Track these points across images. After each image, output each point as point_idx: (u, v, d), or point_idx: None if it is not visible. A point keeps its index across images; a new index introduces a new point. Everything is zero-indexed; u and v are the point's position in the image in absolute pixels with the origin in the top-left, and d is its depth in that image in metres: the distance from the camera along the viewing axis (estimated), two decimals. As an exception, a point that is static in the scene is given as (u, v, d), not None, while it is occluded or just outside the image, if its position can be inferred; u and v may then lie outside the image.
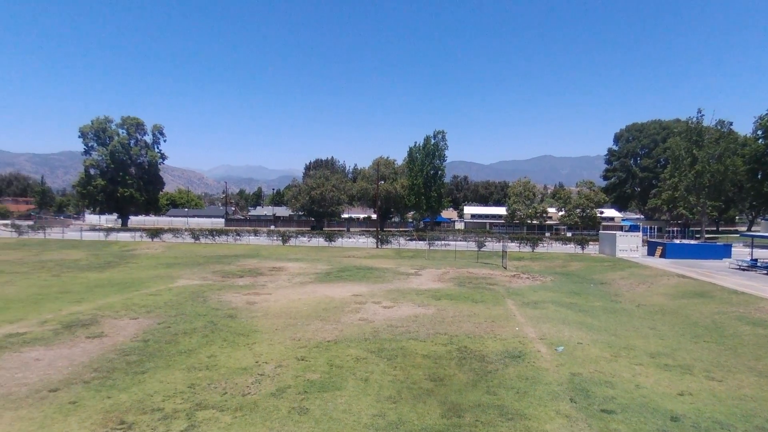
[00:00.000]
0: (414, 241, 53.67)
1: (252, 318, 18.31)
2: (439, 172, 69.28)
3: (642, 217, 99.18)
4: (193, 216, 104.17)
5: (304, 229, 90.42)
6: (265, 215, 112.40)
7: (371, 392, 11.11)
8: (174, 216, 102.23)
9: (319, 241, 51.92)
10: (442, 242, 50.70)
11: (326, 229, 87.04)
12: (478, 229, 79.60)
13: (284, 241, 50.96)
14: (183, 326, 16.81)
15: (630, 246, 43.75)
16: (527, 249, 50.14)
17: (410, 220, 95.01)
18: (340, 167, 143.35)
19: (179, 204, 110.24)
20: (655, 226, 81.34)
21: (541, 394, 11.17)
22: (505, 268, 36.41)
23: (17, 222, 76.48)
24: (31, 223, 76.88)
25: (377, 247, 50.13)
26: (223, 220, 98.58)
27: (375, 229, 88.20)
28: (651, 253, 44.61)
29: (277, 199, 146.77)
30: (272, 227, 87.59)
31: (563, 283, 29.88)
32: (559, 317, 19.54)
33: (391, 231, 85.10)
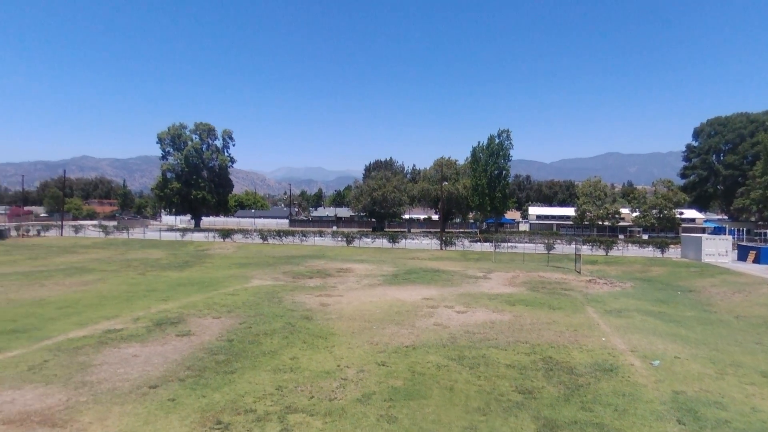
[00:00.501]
0: (478, 243, 52.62)
1: (327, 320, 18.50)
2: (504, 172, 67.37)
3: (726, 218, 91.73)
4: (259, 217, 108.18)
5: (365, 230, 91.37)
6: (327, 216, 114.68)
7: (458, 402, 10.80)
8: (241, 217, 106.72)
9: (383, 243, 52.13)
10: (509, 244, 49.31)
11: (387, 229, 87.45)
12: (545, 230, 76.84)
13: (348, 242, 51.60)
14: (263, 327, 17.26)
15: (718, 250, 40.44)
16: (600, 252, 47.70)
17: (472, 221, 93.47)
18: (398, 168, 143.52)
19: (246, 205, 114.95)
20: (743, 228, 74.75)
21: (643, 413, 10.38)
22: (579, 272, 34.76)
23: (103, 222, 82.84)
24: (115, 223, 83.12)
25: (441, 249, 49.60)
26: (287, 221, 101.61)
27: (437, 230, 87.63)
28: (742, 258, 41.00)
29: (338, 200, 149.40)
30: (335, 228, 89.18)
31: (646, 290, 28.03)
32: (648, 328, 18.27)
33: (452, 232, 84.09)
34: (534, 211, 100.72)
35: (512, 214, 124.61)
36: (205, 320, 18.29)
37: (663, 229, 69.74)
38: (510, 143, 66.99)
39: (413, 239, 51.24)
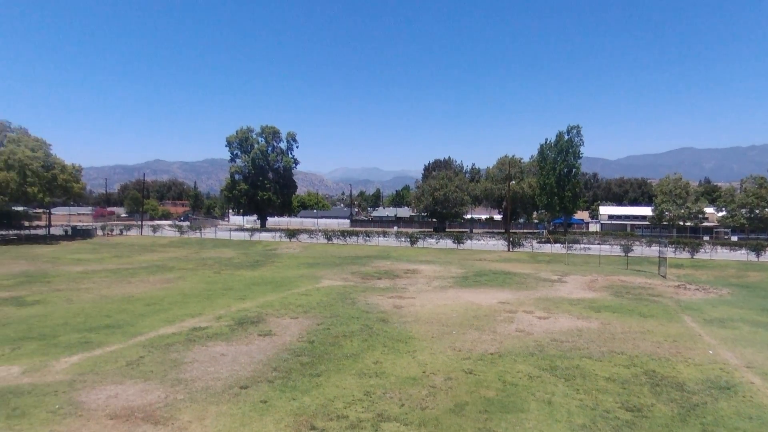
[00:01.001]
0: (548, 244, 50.49)
1: (404, 323, 18.13)
2: (574, 170, 64.14)
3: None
4: (321, 217, 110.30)
5: (426, 230, 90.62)
6: (387, 216, 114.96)
7: (560, 418, 10.03)
8: (304, 217, 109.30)
9: (447, 244, 51.28)
10: (581, 246, 46.92)
11: (448, 230, 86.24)
12: (618, 231, 72.68)
13: (412, 242, 51.18)
14: (341, 328, 17.15)
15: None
16: (684, 255, 44.30)
17: (536, 221, 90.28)
18: (457, 167, 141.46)
19: (308, 206, 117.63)
20: None
21: (781, 441, 9.14)
22: (665, 276, 32.32)
23: (178, 223, 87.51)
24: (188, 223, 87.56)
25: (509, 250, 48.01)
26: (348, 221, 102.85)
27: (500, 230, 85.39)
28: None
29: (397, 201, 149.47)
30: (396, 228, 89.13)
31: (747, 298, 25.50)
32: (762, 341, 16.45)
33: (517, 232, 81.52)
34: (605, 210, 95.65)
35: (580, 214, 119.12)
36: (284, 320, 18.47)
37: (754, 230, 63.83)
38: (581, 139, 63.64)
39: (479, 240, 49.95)
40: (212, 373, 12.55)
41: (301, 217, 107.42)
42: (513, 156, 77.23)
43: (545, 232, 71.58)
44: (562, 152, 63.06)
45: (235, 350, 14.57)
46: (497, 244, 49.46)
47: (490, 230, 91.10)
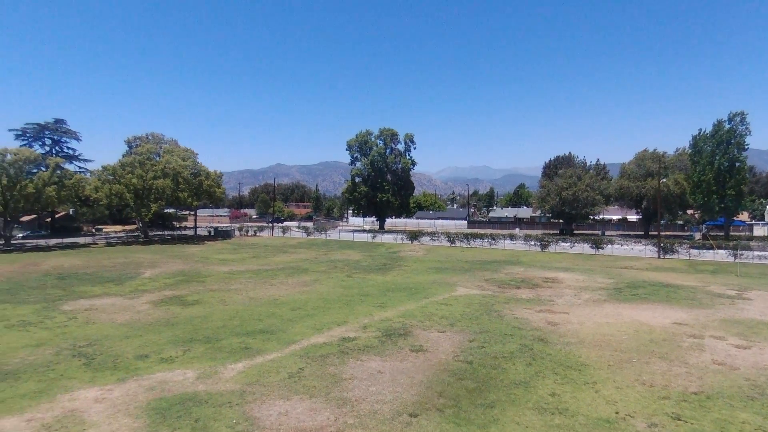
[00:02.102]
0: (706, 250, 43.72)
1: (567, 345, 16.07)
2: (738, 165, 54.61)
3: None
4: (438, 218, 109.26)
5: (550, 232, 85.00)
6: (506, 217, 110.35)
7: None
8: (420, 218, 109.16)
9: (583, 248, 46.88)
10: (755, 253, 39.69)
11: (576, 232, 79.91)
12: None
13: (543, 246, 47.71)
14: (497, 347, 15.66)
15: None
16: None
17: (681, 222, 79.92)
18: (579, 163, 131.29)
19: (424, 206, 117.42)
20: None
21: None
22: None
23: (304, 224, 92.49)
24: (311, 224, 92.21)
25: (659, 257, 42.42)
26: (465, 222, 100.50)
27: (636, 232, 77.00)
28: None
29: (515, 200, 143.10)
30: (518, 230, 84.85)
31: None
32: None
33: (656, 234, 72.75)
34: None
35: (739, 215, 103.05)
36: (431, 333, 17.46)
37: None
38: (746, 128, 54.05)
39: (620, 245, 44.80)
40: (375, 394, 11.84)
41: (417, 218, 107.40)
42: (654, 150, 68.82)
43: (699, 235, 62.62)
44: (721, 144, 54.23)
45: (391, 367, 13.80)
46: (644, 250, 43.86)
47: (625, 232, 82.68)
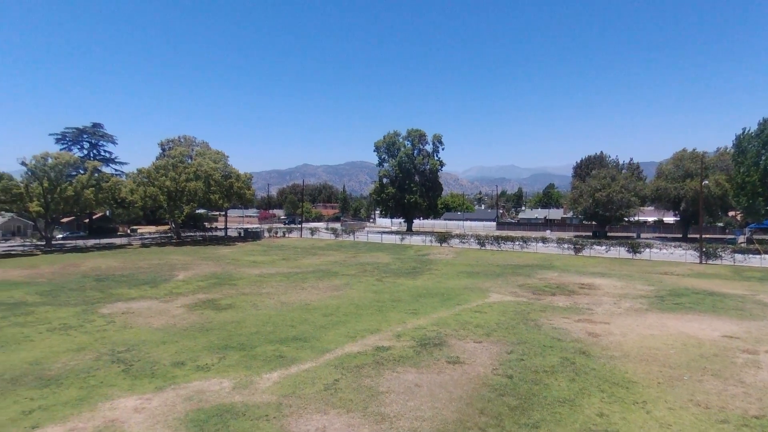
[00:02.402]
0: (754, 256, 41.59)
1: (611, 359, 15.39)
2: (788, 164, 51.67)
3: None
4: (466, 219, 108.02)
5: (582, 234, 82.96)
6: (536, 218, 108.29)
7: None
8: (448, 219, 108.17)
9: (619, 252, 45.38)
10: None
11: (610, 234, 77.72)
12: None
13: (577, 251, 46.40)
14: (537, 360, 15.11)
15: None
16: None
17: (721, 224, 76.73)
18: (611, 163, 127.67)
19: (452, 207, 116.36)
20: None
21: None
22: None
23: (331, 225, 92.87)
24: (339, 225, 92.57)
25: (701, 262, 40.65)
26: (494, 224, 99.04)
27: (673, 235, 74.35)
28: None
29: (544, 201, 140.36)
30: (548, 232, 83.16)
31: None
32: None
33: (695, 238, 70.05)
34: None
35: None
36: (467, 344, 17.02)
37: None
38: (798, 125, 51.10)
39: (659, 249, 43.02)
40: (413, 410, 11.51)
41: (445, 219, 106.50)
42: (694, 149, 66.21)
43: (743, 238, 59.93)
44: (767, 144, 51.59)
45: (428, 381, 13.45)
46: (684, 255, 42.04)
47: (661, 235, 80.00)
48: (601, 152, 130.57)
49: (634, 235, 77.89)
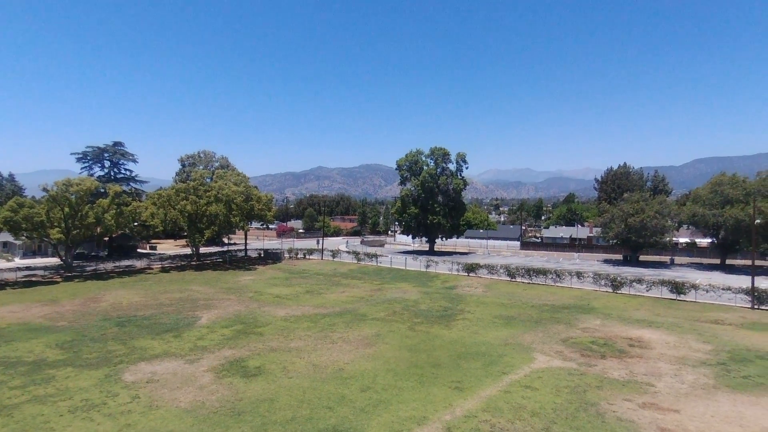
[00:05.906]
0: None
1: (701, 480, 13.40)
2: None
3: None
4: (489, 238, 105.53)
5: (612, 256, 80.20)
6: (561, 237, 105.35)
7: None
8: (470, 237, 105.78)
9: (661, 291, 42.80)
10: None
11: (642, 258, 74.76)
12: None
13: (615, 288, 43.99)
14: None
15: None
16: None
17: (762, 250, 73.11)
18: (635, 174, 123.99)
19: (473, 224, 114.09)
20: None
21: None
22: None
23: (351, 243, 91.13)
24: (360, 244, 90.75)
25: (753, 307, 37.92)
26: (517, 243, 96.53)
27: (709, 260, 70.69)
28: None
29: (568, 216, 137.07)
30: (576, 257, 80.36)
31: None
32: None
33: (736, 265, 66.80)
34: None
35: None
36: (529, 448, 15.16)
37: None
38: None
39: (705, 291, 40.26)
40: None
41: (467, 237, 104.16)
42: (734, 174, 63.23)
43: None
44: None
45: None
46: (734, 298, 39.30)
47: (696, 260, 76.67)
48: (625, 163, 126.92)
49: (668, 259, 74.79)
